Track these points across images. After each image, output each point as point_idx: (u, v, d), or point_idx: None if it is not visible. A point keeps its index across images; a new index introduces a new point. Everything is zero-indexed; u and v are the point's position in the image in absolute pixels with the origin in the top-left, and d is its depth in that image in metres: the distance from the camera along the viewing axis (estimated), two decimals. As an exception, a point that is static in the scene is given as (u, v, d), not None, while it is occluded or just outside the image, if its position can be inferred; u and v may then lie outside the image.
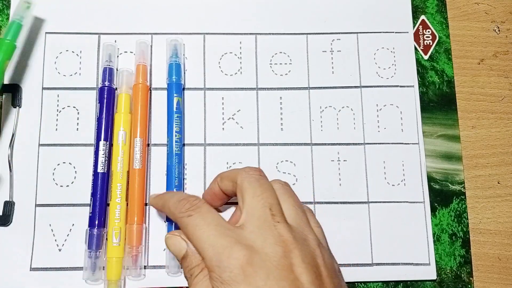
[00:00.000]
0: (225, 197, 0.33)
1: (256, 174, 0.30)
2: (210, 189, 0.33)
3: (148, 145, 0.36)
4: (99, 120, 0.35)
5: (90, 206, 0.34)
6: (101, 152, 0.34)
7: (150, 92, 0.37)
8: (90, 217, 0.34)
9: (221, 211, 0.35)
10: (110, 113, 0.35)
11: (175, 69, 0.36)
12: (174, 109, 0.35)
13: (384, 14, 0.39)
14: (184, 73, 0.38)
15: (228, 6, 0.39)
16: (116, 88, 0.36)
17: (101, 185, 0.34)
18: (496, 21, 0.40)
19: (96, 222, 0.33)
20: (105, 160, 0.34)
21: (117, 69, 0.37)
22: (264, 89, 0.38)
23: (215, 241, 0.26)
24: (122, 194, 0.34)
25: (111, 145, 0.35)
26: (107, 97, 0.35)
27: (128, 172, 0.34)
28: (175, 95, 0.35)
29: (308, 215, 0.30)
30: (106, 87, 0.35)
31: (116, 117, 0.35)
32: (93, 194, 0.34)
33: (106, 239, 0.34)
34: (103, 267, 0.33)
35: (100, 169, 0.34)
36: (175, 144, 0.35)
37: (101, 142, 0.34)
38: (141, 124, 0.35)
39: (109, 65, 0.36)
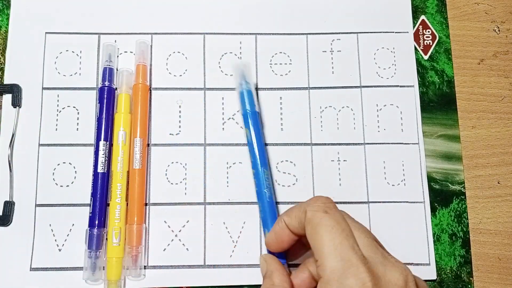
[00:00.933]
0: (293, 238, 0.30)
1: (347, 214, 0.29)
2: (275, 231, 0.30)
3: (148, 145, 0.36)
4: (99, 120, 0.35)
5: (90, 206, 0.34)
6: (101, 152, 0.34)
7: (150, 92, 0.37)
8: (90, 217, 0.34)
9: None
10: (110, 113, 0.35)
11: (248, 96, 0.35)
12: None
13: (384, 14, 0.39)
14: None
15: (228, 6, 0.39)
16: (116, 88, 0.36)
17: (101, 185, 0.34)
18: (496, 21, 0.40)
19: (96, 222, 0.33)
20: (105, 160, 0.34)
21: (117, 69, 0.37)
22: (264, 89, 0.38)
23: (344, 251, 0.25)
24: (122, 194, 0.34)
25: (111, 145, 0.35)
26: (107, 97, 0.35)
27: (128, 172, 0.34)
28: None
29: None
30: (106, 87, 0.35)
31: (116, 117, 0.35)
32: (93, 194, 0.34)
33: (106, 239, 0.34)
34: (103, 267, 0.33)
35: (100, 169, 0.34)
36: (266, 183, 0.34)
37: (101, 142, 0.34)
38: (141, 124, 0.35)
39: (109, 65, 0.36)
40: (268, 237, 0.31)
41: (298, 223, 0.28)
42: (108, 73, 0.36)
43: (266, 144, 0.37)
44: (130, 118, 0.35)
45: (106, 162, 0.34)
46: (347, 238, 0.25)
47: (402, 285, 0.25)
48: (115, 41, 0.38)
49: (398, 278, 0.25)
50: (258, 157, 0.34)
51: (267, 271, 0.30)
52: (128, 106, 0.35)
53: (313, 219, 0.27)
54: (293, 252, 0.33)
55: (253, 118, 0.35)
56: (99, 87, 0.36)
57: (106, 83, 0.36)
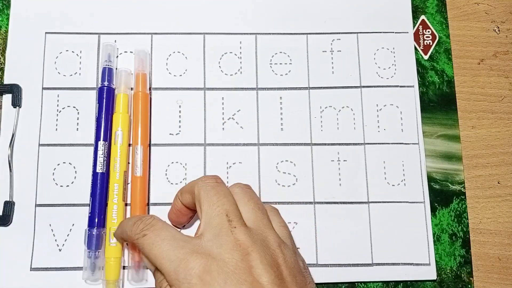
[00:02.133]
0: (189, 212, 0.33)
1: (212, 182, 0.30)
2: (173, 206, 0.33)
3: (149, 145, 0.36)
4: (98, 120, 0.35)
5: (89, 206, 0.34)
6: (100, 152, 0.34)
7: (150, 94, 0.37)
8: (89, 217, 0.34)
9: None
10: (109, 113, 0.35)
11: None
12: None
13: (384, 14, 0.39)
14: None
15: (228, 6, 0.39)
16: (115, 88, 0.36)
17: (100, 185, 0.34)
18: (496, 21, 0.40)
19: (96, 222, 0.33)
20: (103, 160, 0.34)
21: (116, 69, 0.37)
22: (264, 89, 0.38)
23: (171, 255, 0.26)
24: (119, 194, 0.34)
25: (110, 145, 0.35)
26: (106, 97, 0.35)
27: (125, 172, 0.34)
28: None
29: (271, 215, 0.31)
30: (105, 87, 0.35)
31: (114, 117, 0.35)
32: (92, 194, 0.34)
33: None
34: (103, 267, 0.33)
35: (99, 169, 0.34)
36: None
37: (100, 142, 0.34)
38: (142, 131, 0.35)
39: (109, 65, 0.36)
40: (169, 213, 0.34)
41: (190, 198, 0.31)
42: (108, 73, 0.36)
43: (265, 144, 0.37)
44: (128, 118, 0.35)
45: (104, 162, 0.34)
46: (176, 241, 0.27)
47: (237, 259, 0.26)
48: (115, 41, 0.38)
49: (231, 257, 0.26)
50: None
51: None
52: (126, 106, 0.35)
53: (200, 192, 0.29)
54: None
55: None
56: (98, 87, 0.36)
57: (106, 83, 0.36)
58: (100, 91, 0.35)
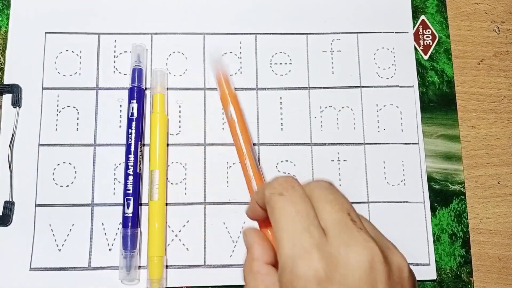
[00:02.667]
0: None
1: (326, 184, 0.26)
2: (250, 206, 0.29)
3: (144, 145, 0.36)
4: (129, 121, 0.35)
5: (123, 206, 0.34)
6: (139, 153, 0.35)
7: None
8: (123, 218, 0.34)
9: None
10: (141, 114, 0.35)
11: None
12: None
13: (384, 14, 0.39)
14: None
15: (228, 6, 0.39)
16: (146, 88, 0.36)
17: (133, 185, 0.34)
18: (496, 21, 0.40)
19: (130, 223, 0.33)
20: (138, 160, 0.34)
21: (136, 68, 0.37)
22: (264, 89, 0.38)
23: (297, 237, 0.22)
24: (160, 192, 0.34)
25: (142, 145, 0.35)
26: (137, 98, 0.35)
27: (154, 171, 0.34)
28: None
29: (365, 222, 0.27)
30: (136, 88, 0.35)
31: (152, 118, 0.35)
32: (126, 195, 0.34)
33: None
34: (138, 266, 0.33)
35: (132, 170, 0.34)
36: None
37: (138, 143, 0.35)
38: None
39: (139, 66, 0.36)
40: (247, 212, 0.30)
41: (262, 204, 0.27)
42: (138, 74, 0.36)
43: (265, 144, 0.37)
44: (166, 118, 0.36)
45: (137, 162, 0.34)
46: (301, 221, 0.23)
47: (365, 267, 0.22)
48: (115, 40, 0.38)
49: (360, 260, 0.22)
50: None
51: (248, 244, 0.28)
52: (163, 106, 0.36)
53: (270, 202, 0.25)
54: None
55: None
56: (129, 87, 0.36)
57: (136, 84, 0.36)
58: (131, 91, 0.35)
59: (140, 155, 0.35)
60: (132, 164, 0.34)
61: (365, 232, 0.23)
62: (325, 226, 0.23)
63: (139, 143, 0.35)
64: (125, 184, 0.34)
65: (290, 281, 0.22)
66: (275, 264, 0.26)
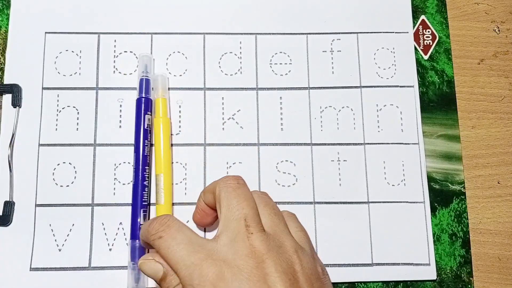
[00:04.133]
0: (213, 212, 0.32)
1: (233, 183, 0.29)
2: (197, 206, 0.33)
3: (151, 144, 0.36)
4: (137, 132, 0.35)
5: (131, 217, 0.34)
6: (148, 162, 0.35)
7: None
8: (131, 229, 0.34)
9: None
10: (150, 123, 0.36)
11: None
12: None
13: (384, 14, 0.39)
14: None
15: (228, 6, 0.39)
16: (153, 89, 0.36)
17: (141, 196, 0.34)
18: (496, 21, 0.40)
19: (138, 234, 0.33)
20: (145, 170, 0.34)
21: (143, 79, 0.36)
22: (264, 89, 0.38)
23: (186, 260, 0.26)
24: (166, 197, 0.34)
25: (148, 155, 0.35)
26: (144, 109, 0.35)
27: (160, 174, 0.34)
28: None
29: (288, 220, 0.30)
30: (143, 98, 0.35)
31: (155, 122, 0.35)
32: (134, 206, 0.34)
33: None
34: (146, 277, 0.33)
35: (140, 180, 0.34)
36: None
37: (140, 153, 0.35)
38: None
39: (146, 76, 0.36)
40: (194, 215, 0.34)
41: (212, 198, 0.30)
42: (145, 84, 0.36)
43: (265, 144, 0.37)
44: (169, 122, 0.36)
45: (146, 173, 0.34)
46: (192, 245, 0.27)
47: (252, 266, 0.25)
48: (115, 40, 0.38)
49: (246, 261, 0.25)
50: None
51: (166, 269, 0.29)
52: (165, 110, 0.36)
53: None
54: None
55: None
56: (136, 98, 0.36)
57: (143, 95, 0.36)
58: (139, 102, 0.35)
59: (147, 167, 0.35)
60: (134, 175, 0.34)
61: (255, 235, 0.27)
62: (220, 233, 0.27)
63: (144, 154, 0.35)
64: (141, 196, 0.34)
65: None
66: None
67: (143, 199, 0.34)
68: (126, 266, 0.34)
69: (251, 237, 0.26)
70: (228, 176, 0.30)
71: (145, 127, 0.35)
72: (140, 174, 0.34)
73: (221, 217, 0.28)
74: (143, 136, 0.35)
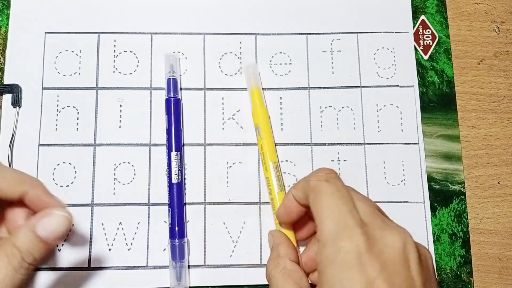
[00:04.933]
0: (301, 209, 0.30)
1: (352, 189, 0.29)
2: (284, 202, 0.31)
3: (148, 145, 0.36)
4: (168, 132, 0.35)
5: (168, 217, 0.34)
6: (173, 163, 0.34)
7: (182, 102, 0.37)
8: (170, 228, 0.34)
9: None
10: (179, 123, 0.36)
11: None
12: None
13: (384, 14, 0.39)
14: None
15: (228, 6, 0.39)
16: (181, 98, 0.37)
17: (177, 195, 0.34)
18: (496, 21, 0.40)
19: (176, 233, 0.34)
20: (178, 170, 0.34)
21: (171, 79, 0.36)
22: (264, 89, 0.38)
23: (342, 215, 0.25)
24: (271, 186, 0.34)
25: (182, 155, 0.35)
26: (174, 108, 0.35)
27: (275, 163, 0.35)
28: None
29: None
30: (172, 98, 0.35)
31: (255, 113, 0.36)
32: (171, 205, 0.34)
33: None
34: (188, 273, 0.34)
35: (174, 180, 0.34)
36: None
37: (173, 153, 0.35)
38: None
39: (173, 76, 0.36)
40: (278, 210, 0.32)
41: (303, 193, 0.29)
42: (173, 84, 0.36)
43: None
44: (266, 112, 0.36)
45: (179, 172, 0.34)
46: (346, 203, 0.26)
47: (399, 247, 0.24)
48: (115, 40, 0.38)
49: (396, 241, 0.24)
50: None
51: (274, 244, 0.31)
52: (261, 100, 0.36)
53: (315, 187, 0.27)
54: (302, 232, 0.33)
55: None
56: (165, 98, 0.36)
57: (172, 94, 0.36)
58: (168, 102, 0.35)
59: (176, 165, 0.35)
60: (168, 175, 0.34)
61: (392, 222, 0.26)
62: (361, 214, 0.26)
63: (177, 153, 0.35)
64: (182, 194, 0.34)
65: (331, 253, 0.24)
66: (298, 262, 0.30)
67: (182, 198, 0.34)
68: (126, 266, 0.34)
69: (392, 223, 0.26)
70: (321, 169, 0.29)
71: (178, 127, 0.35)
72: (181, 173, 0.35)
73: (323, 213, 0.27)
74: (168, 136, 0.35)
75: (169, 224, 0.34)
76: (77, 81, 0.37)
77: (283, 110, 0.38)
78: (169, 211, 0.34)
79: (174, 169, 0.34)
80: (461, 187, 0.37)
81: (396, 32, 0.39)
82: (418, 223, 0.36)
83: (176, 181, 0.34)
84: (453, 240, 0.36)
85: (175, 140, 0.35)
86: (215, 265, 0.35)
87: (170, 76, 0.36)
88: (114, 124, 0.37)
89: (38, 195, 0.27)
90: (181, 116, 0.36)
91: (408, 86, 0.38)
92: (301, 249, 0.33)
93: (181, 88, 0.37)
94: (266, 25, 0.39)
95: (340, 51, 0.39)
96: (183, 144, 0.36)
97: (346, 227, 0.25)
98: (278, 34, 0.39)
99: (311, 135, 0.37)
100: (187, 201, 0.36)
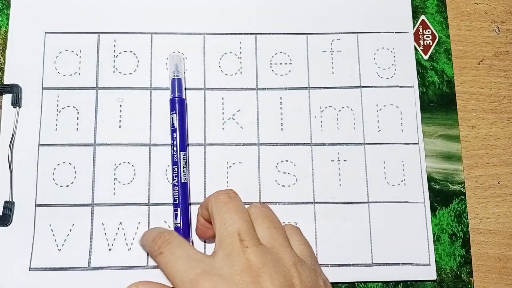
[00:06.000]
0: (212, 226, 0.32)
1: (224, 198, 0.29)
2: (197, 220, 0.33)
3: (148, 144, 0.36)
4: (176, 131, 0.35)
5: (175, 217, 0.34)
6: (182, 163, 0.34)
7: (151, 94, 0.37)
8: (176, 228, 0.34)
9: None
10: (184, 123, 0.36)
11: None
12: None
13: (384, 14, 0.39)
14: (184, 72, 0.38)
15: (228, 6, 0.39)
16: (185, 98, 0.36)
17: (183, 195, 0.34)
18: (496, 21, 0.40)
19: (182, 233, 0.33)
20: (186, 170, 0.35)
21: (175, 79, 0.36)
22: (264, 89, 0.38)
23: (183, 275, 0.26)
24: None
25: (187, 154, 0.35)
26: (179, 108, 0.35)
27: None
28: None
29: (290, 233, 0.30)
30: (177, 98, 0.35)
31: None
32: (176, 205, 0.34)
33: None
34: None
35: (183, 179, 0.34)
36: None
37: (181, 153, 0.35)
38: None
39: (177, 76, 0.36)
40: (196, 227, 0.34)
41: (207, 214, 0.31)
42: (178, 84, 0.36)
43: (265, 144, 0.37)
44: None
45: (187, 172, 0.35)
46: (192, 263, 0.27)
47: (247, 281, 0.25)
48: (115, 40, 0.38)
49: (242, 277, 0.25)
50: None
51: None
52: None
53: (213, 209, 0.29)
54: None
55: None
56: (170, 98, 0.36)
57: (177, 94, 0.36)
58: (173, 102, 0.35)
59: (185, 165, 0.34)
60: (176, 174, 0.34)
61: (251, 249, 0.27)
62: (217, 249, 0.28)
63: (183, 153, 0.35)
64: (173, 195, 0.34)
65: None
66: None
67: (174, 198, 0.34)
68: (126, 266, 0.34)
69: (246, 251, 0.26)
70: (218, 192, 0.30)
71: (172, 127, 0.35)
72: (188, 173, 0.35)
73: (216, 233, 0.28)
74: (171, 136, 0.35)
75: (175, 224, 0.34)
76: (77, 81, 0.37)
77: (283, 110, 0.38)
78: (175, 211, 0.34)
79: (184, 169, 0.34)
80: (461, 187, 0.37)
81: (396, 32, 0.39)
82: (418, 223, 0.36)
83: (184, 181, 0.34)
84: (453, 240, 0.36)
85: (184, 140, 0.35)
86: (215, 265, 0.35)
87: (174, 76, 0.36)
88: (114, 124, 0.37)
89: None
90: (186, 116, 0.36)
91: (408, 86, 0.38)
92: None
93: (185, 88, 0.37)
94: (266, 25, 0.39)
95: (340, 51, 0.39)
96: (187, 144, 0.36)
97: (192, 281, 0.26)
98: (278, 34, 0.39)
99: (311, 135, 0.37)
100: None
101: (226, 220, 0.28)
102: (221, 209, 0.29)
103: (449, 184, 0.37)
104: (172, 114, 0.35)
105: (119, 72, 0.37)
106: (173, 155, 0.35)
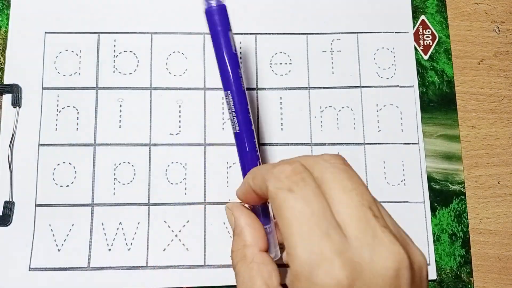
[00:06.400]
0: (261, 199, 0.26)
1: (340, 163, 0.23)
2: (242, 192, 0.26)
3: (148, 145, 0.36)
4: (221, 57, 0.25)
5: (249, 165, 0.29)
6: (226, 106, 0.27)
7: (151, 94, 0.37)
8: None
9: None
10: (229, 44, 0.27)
11: None
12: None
13: (384, 14, 0.39)
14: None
15: (228, 6, 0.39)
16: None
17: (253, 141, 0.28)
18: (496, 21, 0.40)
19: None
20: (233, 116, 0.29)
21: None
22: (264, 89, 0.38)
23: (314, 243, 0.20)
24: None
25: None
26: (222, 22, 0.26)
27: None
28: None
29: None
30: (214, 7, 0.25)
31: None
32: (249, 152, 0.28)
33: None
34: (276, 241, 0.28)
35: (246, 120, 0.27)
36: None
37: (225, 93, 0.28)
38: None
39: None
40: (239, 191, 0.27)
41: (262, 193, 0.23)
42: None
43: (265, 144, 0.37)
44: None
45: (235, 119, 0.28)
46: (319, 223, 0.20)
47: (391, 275, 0.19)
48: (115, 40, 0.38)
49: (387, 267, 0.19)
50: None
51: (236, 226, 0.25)
52: None
53: (276, 199, 0.21)
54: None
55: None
56: (204, 8, 0.27)
57: (213, 1, 0.25)
58: (209, 13, 0.26)
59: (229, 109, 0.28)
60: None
61: (389, 232, 0.20)
62: (343, 223, 0.20)
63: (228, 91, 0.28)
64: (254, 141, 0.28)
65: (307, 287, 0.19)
66: (267, 250, 0.25)
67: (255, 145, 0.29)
68: (126, 266, 0.34)
69: (386, 233, 0.20)
70: (327, 154, 0.23)
71: (233, 51, 0.26)
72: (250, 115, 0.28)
73: (334, 203, 0.21)
74: (233, 63, 0.26)
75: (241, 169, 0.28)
76: (77, 81, 0.37)
77: (283, 110, 0.38)
78: (250, 159, 0.28)
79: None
80: (461, 187, 0.37)
81: (396, 32, 0.39)
82: (418, 223, 0.36)
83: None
84: (453, 240, 0.36)
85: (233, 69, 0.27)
86: (215, 265, 0.35)
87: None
88: (114, 124, 0.37)
89: None
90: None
91: (408, 86, 0.38)
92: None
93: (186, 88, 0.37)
94: (266, 25, 0.39)
95: (340, 51, 0.39)
96: (187, 143, 0.36)
97: (322, 259, 0.19)
98: (278, 34, 0.39)
99: (311, 135, 0.37)
100: (187, 201, 0.36)
101: (350, 188, 0.21)
102: (340, 174, 0.22)
103: (449, 184, 0.37)
104: (213, 28, 0.27)
105: (119, 72, 0.37)
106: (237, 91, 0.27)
